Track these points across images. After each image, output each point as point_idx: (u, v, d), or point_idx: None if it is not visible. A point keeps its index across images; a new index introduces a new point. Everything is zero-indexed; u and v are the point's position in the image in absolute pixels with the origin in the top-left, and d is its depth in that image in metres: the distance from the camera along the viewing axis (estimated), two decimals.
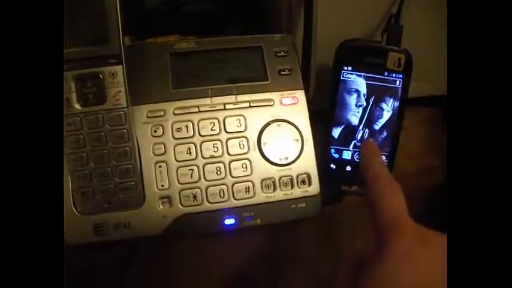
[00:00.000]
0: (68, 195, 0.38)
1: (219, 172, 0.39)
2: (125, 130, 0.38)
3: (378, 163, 0.37)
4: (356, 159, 0.43)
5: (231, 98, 0.41)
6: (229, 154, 0.40)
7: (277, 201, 0.40)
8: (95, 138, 0.38)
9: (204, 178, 0.39)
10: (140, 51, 0.42)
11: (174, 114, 0.40)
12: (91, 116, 0.37)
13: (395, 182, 0.34)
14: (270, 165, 0.40)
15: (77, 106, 0.37)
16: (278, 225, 0.41)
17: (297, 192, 0.40)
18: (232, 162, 0.40)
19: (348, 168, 0.44)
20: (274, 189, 0.40)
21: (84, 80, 0.37)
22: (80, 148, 0.38)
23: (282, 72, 0.42)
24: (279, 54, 0.43)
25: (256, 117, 0.41)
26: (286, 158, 0.40)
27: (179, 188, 0.39)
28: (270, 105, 0.41)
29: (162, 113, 0.40)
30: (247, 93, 0.41)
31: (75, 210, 0.38)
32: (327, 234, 0.51)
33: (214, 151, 0.40)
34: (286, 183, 0.40)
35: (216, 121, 0.40)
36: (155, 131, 0.40)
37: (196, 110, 0.40)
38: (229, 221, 0.39)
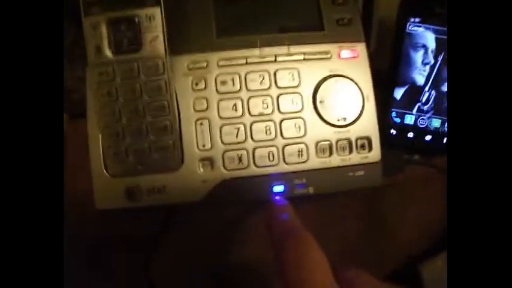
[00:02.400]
0: (98, 156, 0.32)
1: (268, 132, 0.33)
2: (163, 82, 0.31)
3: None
4: (420, 125, 0.36)
5: (282, 49, 0.34)
6: (280, 112, 0.33)
7: (332, 168, 0.33)
8: (128, 90, 0.31)
9: (251, 138, 0.33)
10: None
11: (219, 66, 0.33)
12: (125, 64, 0.31)
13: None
14: (326, 125, 0.33)
15: (109, 54, 0.31)
16: (331, 195, 0.35)
17: (356, 158, 0.33)
18: (284, 122, 0.33)
19: (410, 134, 0.37)
20: (330, 154, 0.33)
21: (117, 23, 0.31)
22: (111, 102, 0.31)
23: (340, 22, 0.35)
24: (337, 2, 0.35)
25: (311, 72, 0.34)
26: (345, 119, 0.33)
27: (222, 149, 0.33)
28: (327, 59, 0.34)
29: (205, 64, 0.33)
30: (301, 44, 0.34)
31: (105, 173, 0.32)
32: (371, 213, 0.44)
33: (263, 108, 0.33)
34: (343, 147, 0.33)
35: (265, 74, 0.33)
36: (197, 84, 0.33)
37: (244, 61, 0.33)
38: (278, 188, 0.33)
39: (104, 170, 0.33)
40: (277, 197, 0.32)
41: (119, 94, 0.31)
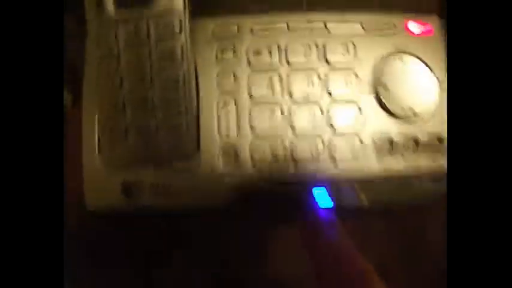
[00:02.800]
0: (92, 137, 0.25)
1: (312, 120, 0.25)
2: (179, 46, 0.24)
3: None
4: None
5: (335, 16, 0.26)
6: (329, 94, 0.25)
7: (394, 172, 0.25)
8: (134, 56, 0.24)
9: (291, 127, 0.25)
10: None
11: (252, 33, 0.26)
12: (131, 22, 0.24)
13: None
14: (389, 117, 0.25)
15: (111, 9, 0.23)
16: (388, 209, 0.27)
17: (425, 161, 0.25)
18: (333, 108, 0.25)
19: None
20: (392, 154, 0.25)
21: None
22: (112, 67, 0.24)
23: None
24: None
25: (371, 46, 0.26)
26: (412, 110, 0.25)
27: (251, 139, 0.24)
28: (391, 32, 0.26)
29: (236, 29, 0.26)
30: (358, 13, 0.27)
31: (99, 160, 0.25)
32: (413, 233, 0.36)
33: (307, 88, 0.25)
34: (409, 146, 0.25)
35: (312, 45, 0.26)
36: (223, 54, 0.25)
37: (285, 27, 0.26)
38: (321, 195, 0.25)
39: (98, 158, 0.25)
40: (321, 207, 0.24)
41: (121, 60, 0.24)
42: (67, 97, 0.37)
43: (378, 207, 0.27)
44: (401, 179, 0.25)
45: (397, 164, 0.25)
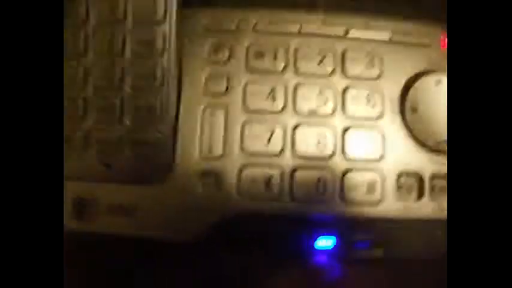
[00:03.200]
0: None
1: (322, 144, 0.20)
2: (160, 34, 0.19)
3: None
4: None
5: (358, 20, 0.21)
6: (345, 114, 0.20)
7: (420, 220, 0.20)
8: (104, 41, 0.19)
9: (292, 150, 0.20)
10: None
11: (255, 31, 0.21)
12: (103, 1, 0.19)
13: None
14: (418, 148, 0.20)
15: None
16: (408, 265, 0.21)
17: None
18: (349, 131, 0.20)
19: None
20: (420, 196, 0.20)
21: None
22: (77, 58, 0.19)
23: None
24: None
25: (400, 62, 0.21)
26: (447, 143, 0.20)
27: (242, 161, 0.19)
28: (424, 46, 0.21)
29: (235, 24, 0.21)
30: (387, 19, 0.22)
31: None
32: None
33: (318, 103, 0.20)
34: (441, 187, 0.20)
35: (329, 53, 0.21)
36: (216, 52, 0.21)
37: (297, 28, 0.21)
38: (324, 242, 0.19)
39: None
40: (322, 257, 0.19)
41: (89, 45, 0.19)
42: None
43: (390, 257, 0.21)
44: (429, 226, 0.20)
45: (426, 209, 0.20)
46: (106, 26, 0.19)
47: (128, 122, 0.19)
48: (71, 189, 0.20)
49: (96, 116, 0.19)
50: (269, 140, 0.19)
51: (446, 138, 0.20)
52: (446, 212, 0.20)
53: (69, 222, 0.20)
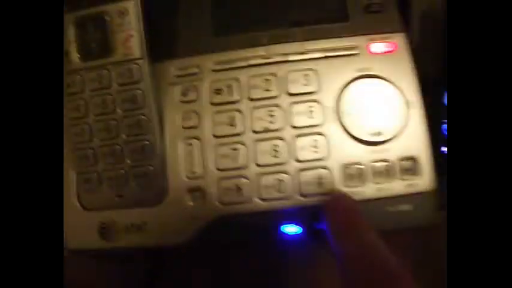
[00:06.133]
0: (70, 183, 0.25)
1: (277, 154, 0.24)
2: (139, 91, 0.24)
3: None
4: None
5: (295, 46, 0.25)
6: (293, 127, 0.24)
7: (366, 200, 0.23)
8: (99, 104, 0.24)
9: (255, 162, 0.24)
10: None
11: (214, 71, 0.25)
12: (93, 72, 0.24)
13: None
14: (356, 143, 0.24)
15: (76, 59, 0.24)
16: None
17: (399, 186, 0.23)
18: (298, 139, 0.24)
19: None
20: (363, 181, 0.23)
21: (85, 23, 0.24)
22: (81, 118, 0.24)
23: (370, 9, 0.26)
24: None
25: (333, 72, 0.24)
26: (380, 134, 0.23)
27: (217, 177, 0.24)
28: (354, 55, 0.25)
29: (197, 69, 0.25)
30: (319, 39, 0.25)
31: (78, 204, 0.25)
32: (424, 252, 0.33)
33: (270, 122, 0.24)
34: (380, 172, 0.23)
35: (273, 78, 0.24)
36: (186, 95, 0.25)
37: (245, 63, 0.25)
38: (290, 229, 0.24)
39: (77, 202, 0.25)
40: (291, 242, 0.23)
41: (89, 108, 0.24)
42: None
43: None
44: (376, 205, 0.23)
45: (370, 191, 0.23)
46: (98, 91, 0.24)
47: (128, 161, 0.24)
48: (94, 217, 0.25)
49: (104, 159, 0.24)
50: (236, 157, 0.24)
51: (378, 130, 0.24)
52: (392, 190, 0.24)
53: (97, 243, 0.25)
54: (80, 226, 0.25)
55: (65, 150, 0.25)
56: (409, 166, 0.24)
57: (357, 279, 0.19)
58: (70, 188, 0.25)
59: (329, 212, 0.22)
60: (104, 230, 0.25)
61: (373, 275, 0.18)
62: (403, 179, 0.23)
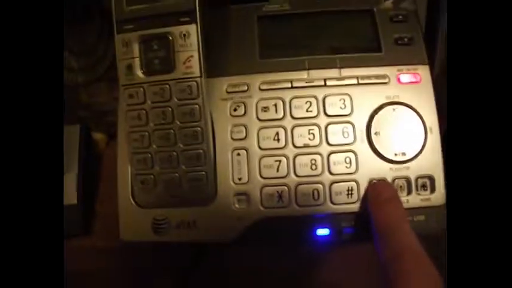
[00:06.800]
0: (125, 183, 0.28)
1: (313, 167, 0.27)
2: (196, 106, 0.27)
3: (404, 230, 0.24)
4: None
5: (333, 72, 0.28)
6: (328, 144, 0.27)
7: None
8: (159, 115, 0.27)
9: (295, 173, 0.27)
10: (222, 14, 0.31)
11: (261, 90, 0.28)
12: (155, 86, 0.26)
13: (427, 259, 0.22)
14: (382, 161, 0.27)
15: (140, 74, 0.26)
16: None
17: (415, 200, 0.27)
18: (332, 155, 0.27)
19: None
20: None
21: (149, 42, 0.26)
22: (141, 126, 0.27)
23: (400, 42, 0.29)
24: (396, 19, 0.30)
25: (365, 98, 0.28)
26: (404, 154, 0.27)
27: (261, 184, 0.27)
28: (384, 83, 0.28)
29: (246, 87, 0.28)
30: (354, 67, 0.29)
31: (132, 202, 0.28)
32: None
33: (309, 139, 0.27)
34: (401, 186, 0.27)
35: (313, 100, 0.28)
36: (235, 110, 0.28)
37: (289, 85, 0.28)
38: (322, 231, 0.27)
39: (131, 199, 0.28)
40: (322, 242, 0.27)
41: (149, 118, 0.27)
42: (102, 137, 0.40)
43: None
44: None
45: None
46: (159, 103, 0.27)
47: (183, 167, 0.27)
48: (148, 214, 0.28)
49: (161, 164, 0.27)
50: (278, 168, 0.27)
51: (402, 151, 0.27)
52: (409, 203, 0.27)
53: (149, 237, 0.28)
54: (134, 221, 0.28)
55: (121, 153, 0.29)
56: (426, 183, 0.27)
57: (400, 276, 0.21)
58: (125, 187, 0.28)
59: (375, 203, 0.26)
60: (157, 226, 0.28)
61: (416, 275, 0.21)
62: (420, 194, 0.27)
